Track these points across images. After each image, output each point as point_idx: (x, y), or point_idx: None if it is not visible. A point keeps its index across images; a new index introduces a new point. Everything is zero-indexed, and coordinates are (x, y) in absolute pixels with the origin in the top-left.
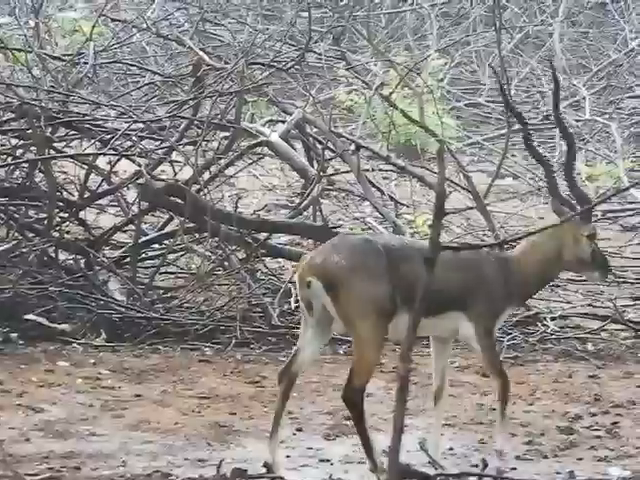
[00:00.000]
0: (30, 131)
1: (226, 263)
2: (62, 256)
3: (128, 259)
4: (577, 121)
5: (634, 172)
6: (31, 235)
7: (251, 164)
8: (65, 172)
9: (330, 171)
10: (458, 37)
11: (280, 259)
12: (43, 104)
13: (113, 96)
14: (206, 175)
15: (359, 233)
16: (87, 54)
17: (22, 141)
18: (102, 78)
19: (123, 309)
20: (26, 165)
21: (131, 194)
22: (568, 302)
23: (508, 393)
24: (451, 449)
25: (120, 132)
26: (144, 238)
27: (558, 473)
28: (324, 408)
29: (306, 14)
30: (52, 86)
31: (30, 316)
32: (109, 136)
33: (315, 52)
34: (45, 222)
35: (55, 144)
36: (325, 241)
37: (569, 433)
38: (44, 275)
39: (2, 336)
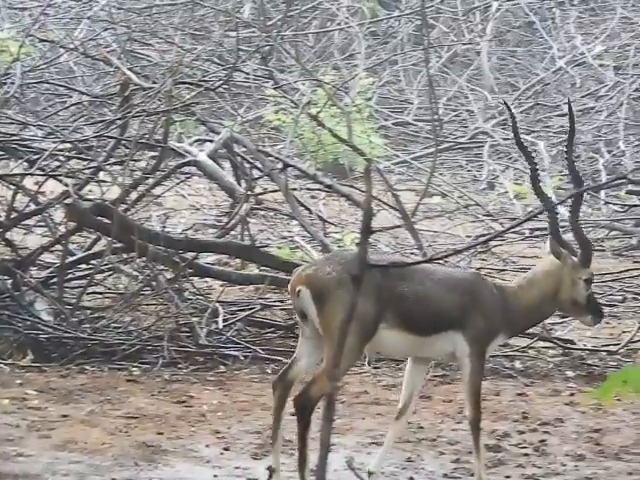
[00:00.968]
0: None
1: (154, 283)
2: None
3: (55, 279)
4: (505, 139)
5: (561, 190)
6: None
7: (179, 183)
8: None
9: (258, 190)
10: (386, 56)
11: (208, 279)
12: None
13: (40, 116)
14: (134, 195)
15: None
16: (14, 74)
17: None
18: (29, 98)
19: (50, 329)
20: None
21: (58, 214)
22: None
23: (480, 423)
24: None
25: (47, 152)
26: (71, 258)
27: None
28: (252, 427)
29: (234, 33)
30: None
31: None
32: (36, 156)
33: (243, 71)
34: None
35: None
36: (252, 260)
37: (497, 451)
38: None
39: None
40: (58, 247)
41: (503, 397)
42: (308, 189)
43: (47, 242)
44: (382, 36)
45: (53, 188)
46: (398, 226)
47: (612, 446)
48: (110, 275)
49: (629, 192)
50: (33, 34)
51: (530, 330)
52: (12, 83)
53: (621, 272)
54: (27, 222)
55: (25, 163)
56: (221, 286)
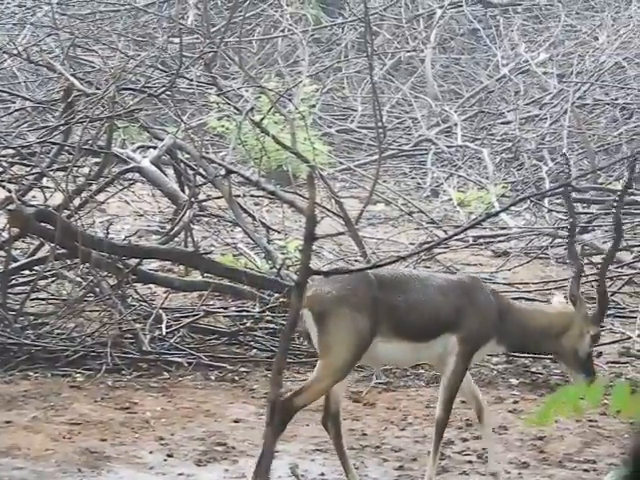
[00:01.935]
0: None
1: (97, 289)
2: None
3: None
4: (449, 147)
5: (505, 197)
6: None
7: (122, 190)
8: None
9: (201, 197)
10: (330, 63)
11: (151, 285)
12: None
13: None
14: (77, 201)
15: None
16: None
17: None
18: None
19: None
20: None
21: (1, 220)
22: None
23: (445, 427)
24: (322, 474)
25: None
26: (14, 264)
27: None
28: (195, 434)
29: (177, 40)
30: None
31: None
32: None
33: (186, 78)
34: None
35: None
36: (196, 267)
37: (441, 458)
38: None
39: None
40: (1, 253)
41: None
42: (252, 196)
43: None
44: (326, 43)
45: None
46: (342, 233)
47: (556, 454)
48: (53, 281)
49: (575, 200)
50: None
51: None
52: None
53: (565, 280)
54: None
55: None
56: (165, 292)
